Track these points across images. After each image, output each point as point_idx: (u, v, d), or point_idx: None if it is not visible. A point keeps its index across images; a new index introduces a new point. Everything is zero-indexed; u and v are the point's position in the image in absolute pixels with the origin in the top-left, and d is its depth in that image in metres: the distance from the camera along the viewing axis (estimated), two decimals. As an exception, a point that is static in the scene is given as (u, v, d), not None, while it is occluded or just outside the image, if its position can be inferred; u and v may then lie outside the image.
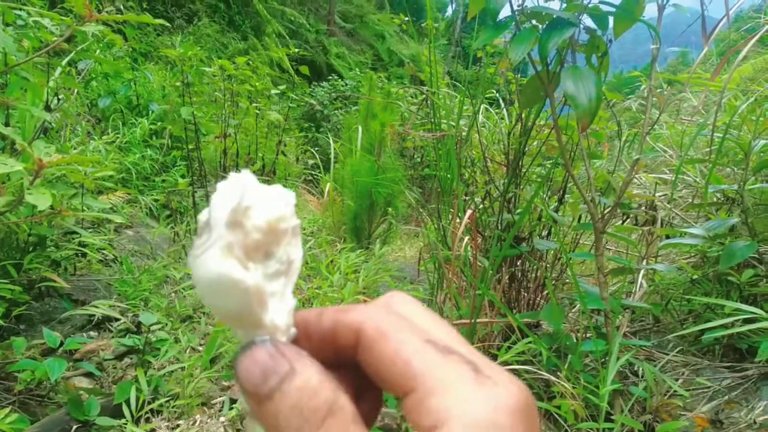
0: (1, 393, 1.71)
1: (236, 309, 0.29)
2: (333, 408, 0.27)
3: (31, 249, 2.32)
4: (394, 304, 0.34)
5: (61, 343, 1.90)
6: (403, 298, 0.34)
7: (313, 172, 5.71)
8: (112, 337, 2.31)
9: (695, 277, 2.24)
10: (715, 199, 2.24)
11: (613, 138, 2.87)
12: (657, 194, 2.68)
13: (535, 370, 1.65)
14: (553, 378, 1.55)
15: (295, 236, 0.33)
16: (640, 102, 4.22)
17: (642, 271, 2.29)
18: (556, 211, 2.21)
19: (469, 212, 1.82)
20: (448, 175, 2.15)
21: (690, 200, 2.75)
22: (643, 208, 2.50)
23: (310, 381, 0.28)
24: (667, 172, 3.21)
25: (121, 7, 8.30)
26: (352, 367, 0.32)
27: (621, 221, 2.57)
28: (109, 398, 1.75)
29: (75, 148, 3.36)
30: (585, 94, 1.42)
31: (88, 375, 1.98)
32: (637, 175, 2.92)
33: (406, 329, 0.30)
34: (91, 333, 2.38)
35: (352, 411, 0.28)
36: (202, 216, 0.31)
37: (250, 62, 3.72)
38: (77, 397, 1.68)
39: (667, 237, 2.18)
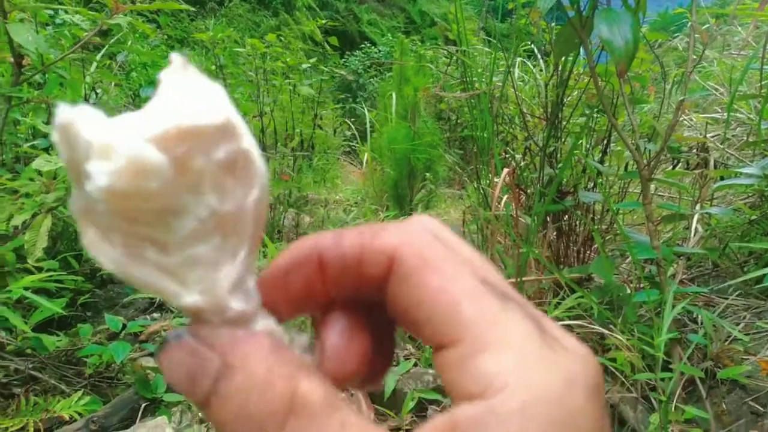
0: (74, 377, 1.81)
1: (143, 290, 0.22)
2: (294, 403, 0.20)
3: (89, 240, 2.42)
4: (430, 229, 0.25)
5: (124, 326, 1.99)
6: (435, 222, 0.25)
7: (351, 144, 5.72)
8: (174, 317, 2.41)
9: (753, 217, 2.14)
10: (770, 135, 2.12)
11: (659, 81, 2.74)
12: (708, 135, 2.56)
13: (587, 324, 1.63)
14: (606, 331, 1.53)
15: (235, 169, 0.21)
16: (686, 40, 4.01)
17: (696, 216, 2.21)
18: (601, 161, 2.15)
19: (506, 170, 1.78)
20: (485, 135, 2.12)
21: (744, 139, 2.61)
22: (695, 150, 2.40)
23: (254, 375, 0.21)
24: (719, 110, 3.05)
25: (153, -4, 8.41)
26: (373, 305, 0.25)
27: (672, 166, 2.47)
28: (173, 376, 1.83)
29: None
30: (621, 37, 1.35)
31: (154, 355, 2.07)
32: (687, 116, 2.79)
33: (456, 261, 0.23)
34: (154, 315, 2.49)
35: (321, 395, 0.21)
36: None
37: (282, 38, 3.71)
38: (144, 376, 1.76)
39: (722, 178, 2.09)
